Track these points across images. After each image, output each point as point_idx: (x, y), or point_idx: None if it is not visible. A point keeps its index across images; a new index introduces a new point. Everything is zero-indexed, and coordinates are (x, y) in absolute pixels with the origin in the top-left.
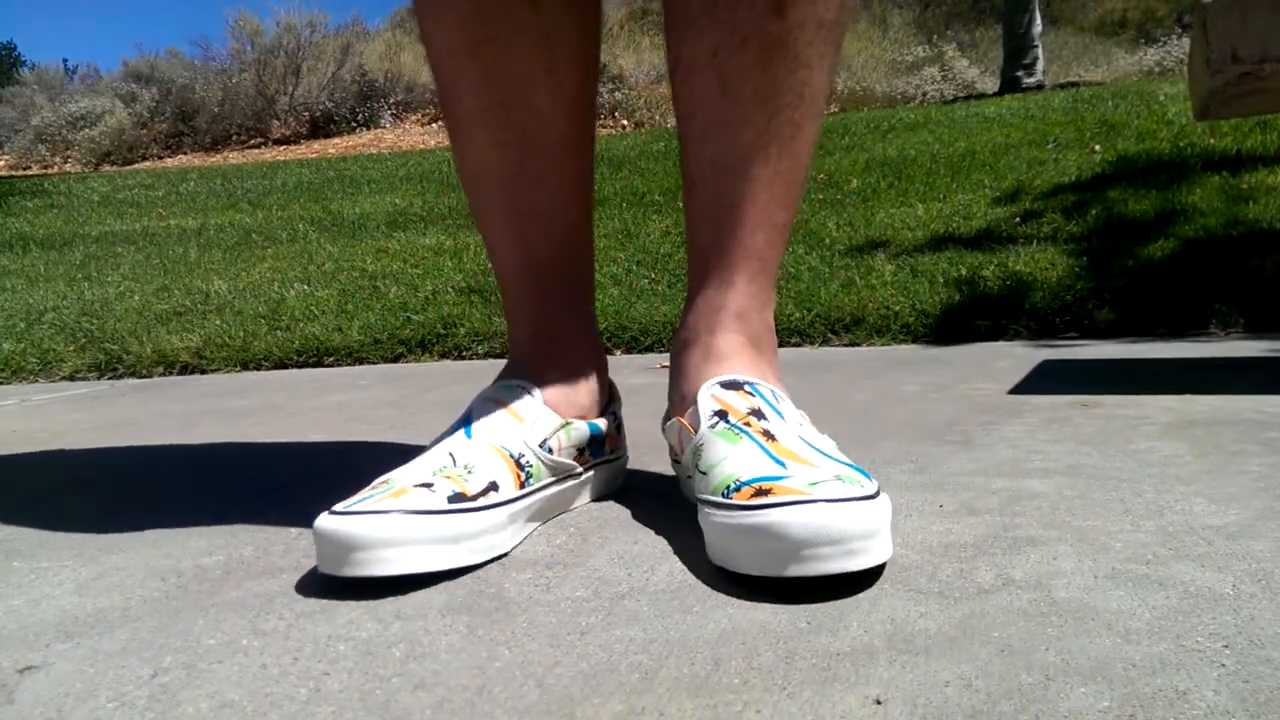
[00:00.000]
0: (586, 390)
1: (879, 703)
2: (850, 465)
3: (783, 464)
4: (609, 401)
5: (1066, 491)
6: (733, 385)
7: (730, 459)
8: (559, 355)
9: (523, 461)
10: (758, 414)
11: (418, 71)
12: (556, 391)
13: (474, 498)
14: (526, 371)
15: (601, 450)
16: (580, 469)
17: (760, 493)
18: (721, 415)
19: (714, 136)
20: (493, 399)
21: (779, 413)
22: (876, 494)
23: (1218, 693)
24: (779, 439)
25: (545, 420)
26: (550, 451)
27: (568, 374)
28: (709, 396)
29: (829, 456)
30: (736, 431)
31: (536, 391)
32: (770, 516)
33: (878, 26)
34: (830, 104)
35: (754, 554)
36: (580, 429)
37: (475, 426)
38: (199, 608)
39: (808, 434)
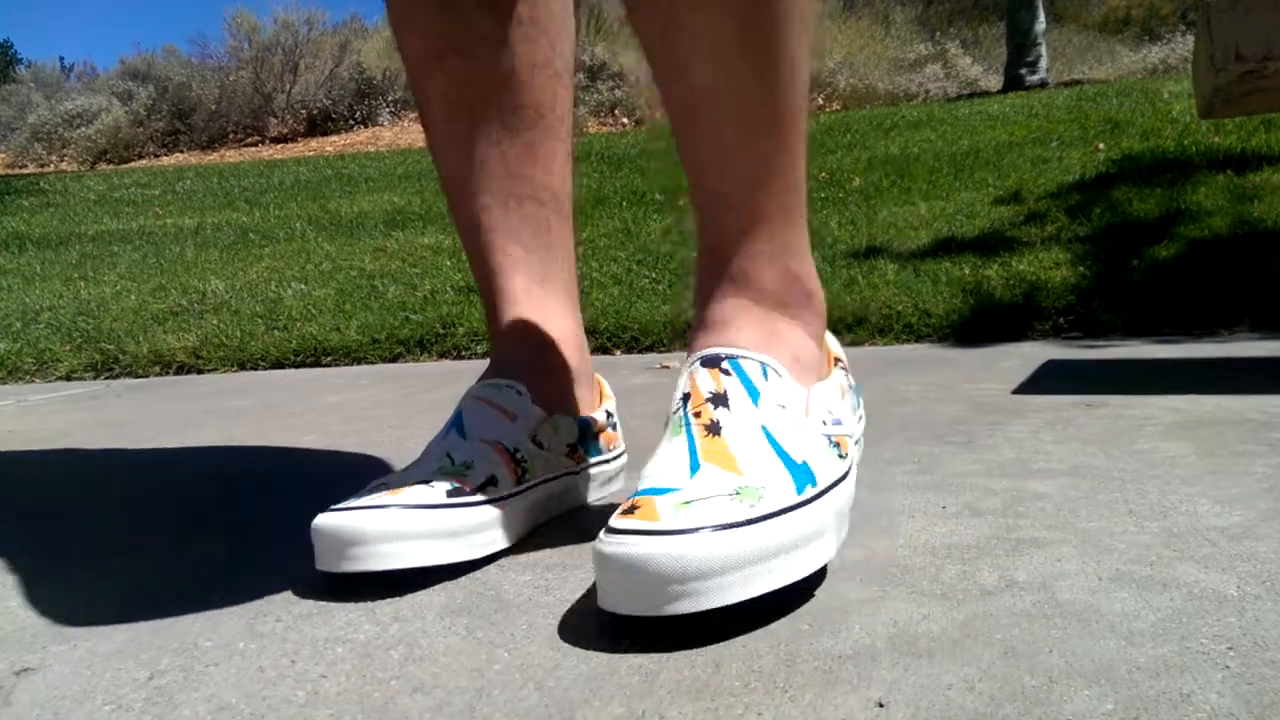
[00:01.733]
0: (572, 387)
1: (881, 705)
2: (799, 470)
3: (696, 469)
4: (599, 400)
5: (1070, 492)
6: (711, 361)
7: (655, 459)
8: (541, 353)
9: (518, 456)
10: (719, 399)
11: None
12: (542, 388)
13: (472, 492)
14: (510, 369)
15: (598, 449)
16: (577, 467)
17: (629, 510)
18: (684, 400)
19: (677, 46)
20: (481, 398)
21: (754, 395)
22: (773, 514)
23: (1222, 695)
24: (724, 432)
25: (534, 415)
26: (541, 446)
27: (551, 371)
28: (686, 376)
29: (780, 455)
30: (680, 423)
31: (523, 388)
32: (608, 547)
33: (880, 24)
34: (832, 102)
35: (602, 586)
36: (569, 424)
37: (468, 426)
38: (196, 610)
39: (777, 422)
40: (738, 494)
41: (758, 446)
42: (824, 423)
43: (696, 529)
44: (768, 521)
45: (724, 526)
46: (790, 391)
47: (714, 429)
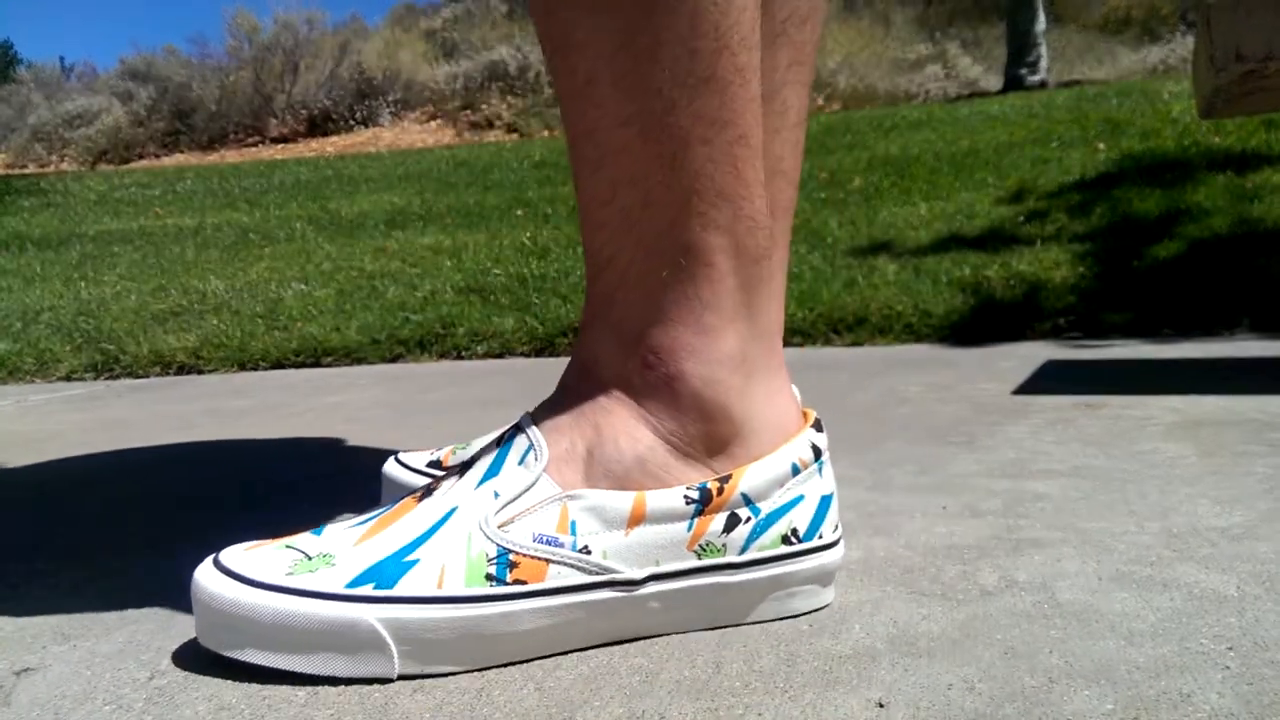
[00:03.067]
0: None
1: (881, 705)
2: (390, 563)
3: (366, 523)
4: None
5: (1071, 493)
6: (513, 427)
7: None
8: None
9: None
10: (465, 467)
11: (416, 69)
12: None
13: None
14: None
15: None
16: None
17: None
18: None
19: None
20: None
21: (492, 473)
22: (285, 589)
23: (1222, 695)
24: (424, 501)
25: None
26: None
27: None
28: None
29: (415, 541)
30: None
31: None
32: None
33: (880, 24)
34: (832, 102)
35: None
36: None
37: None
38: None
39: (469, 508)
40: (307, 557)
41: (416, 525)
42: (533, 537)
43: (238, 575)
44: (275, 594)
45: (251, 582)
46: (518, 483)
47: (426, 493)
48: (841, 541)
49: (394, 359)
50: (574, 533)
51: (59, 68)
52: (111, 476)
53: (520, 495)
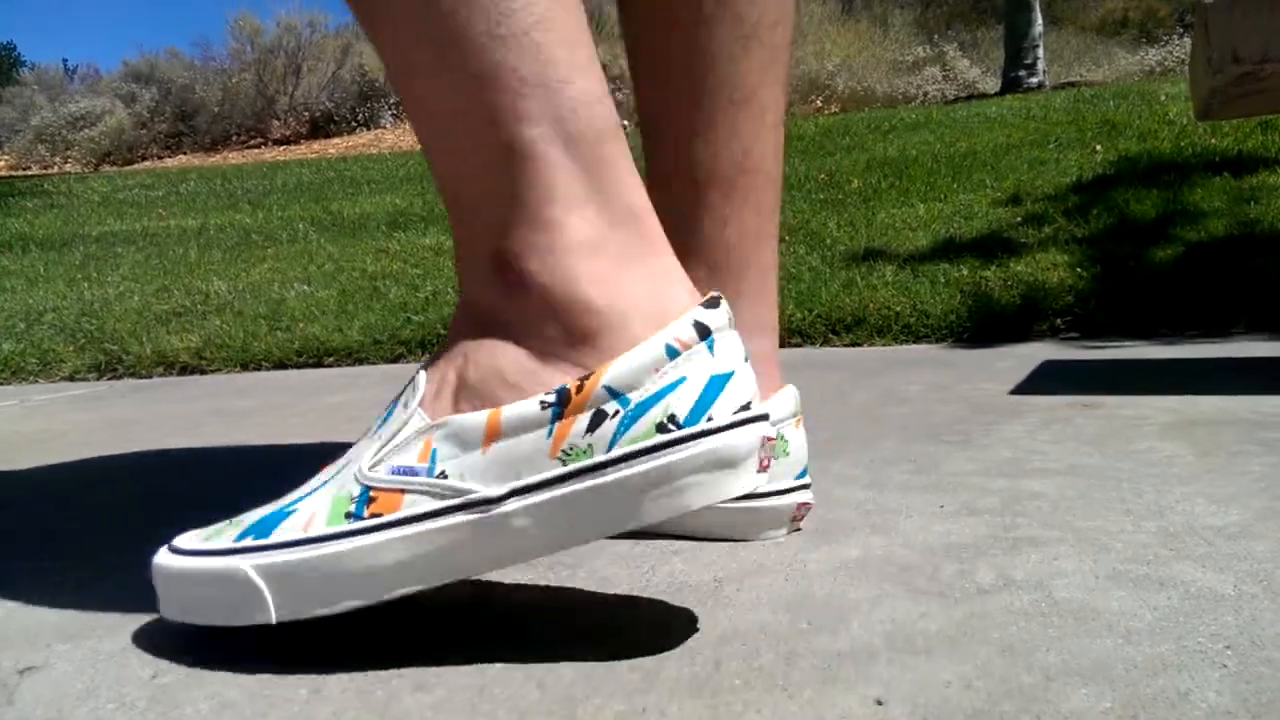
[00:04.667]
0: None
1: (879, 703)
2: (274, 514)
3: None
4: None
5: (1067, 492)
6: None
7: None
8: None
9: None
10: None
11: None
12: None
13: None
14: None
15: None
16: None
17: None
18: None
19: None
20: None
21: (387, 416)
22: (199, 552)
23: (1219, 694)
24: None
25: None
26: None
27: None
28: None
29: (307, 493)
30: None
31: None
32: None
33: (879, 26)
34: (831, 104)
35: None
36: None
37: None
38: None
39: (354, 454)
40: (230, 525)
41: (313, 482)
42: (390, 469)
43: (174, 547)
44: (181, 556)
45: (175, 550)
46: (394, 424)
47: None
48: (750, 424)
49: (396, 359)
50: (433, 460)
51: (62, 70)
52: (114, 476)
53: (395, 435)
